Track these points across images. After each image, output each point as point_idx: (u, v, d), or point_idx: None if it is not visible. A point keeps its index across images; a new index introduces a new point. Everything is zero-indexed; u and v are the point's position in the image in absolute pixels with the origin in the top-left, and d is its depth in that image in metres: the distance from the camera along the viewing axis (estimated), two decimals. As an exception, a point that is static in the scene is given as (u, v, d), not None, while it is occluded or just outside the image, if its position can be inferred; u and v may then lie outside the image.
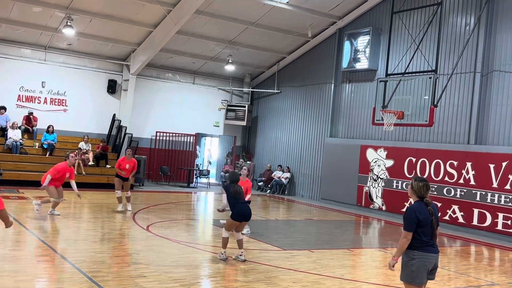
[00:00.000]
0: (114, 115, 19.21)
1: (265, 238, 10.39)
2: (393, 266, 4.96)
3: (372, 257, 9.86)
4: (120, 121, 18.98)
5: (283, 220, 14.22)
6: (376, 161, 16.49)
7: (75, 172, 15.46)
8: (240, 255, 8.07)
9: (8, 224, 5.05)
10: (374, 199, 16.44)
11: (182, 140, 20.88)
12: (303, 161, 19.78)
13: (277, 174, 20.31)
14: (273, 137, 21.34)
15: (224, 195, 8.22)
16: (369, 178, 16.65)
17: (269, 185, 20.28)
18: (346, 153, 17.45)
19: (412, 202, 5.10)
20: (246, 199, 9.38)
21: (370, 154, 16.69)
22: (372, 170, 16.56)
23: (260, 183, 20.81)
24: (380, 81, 13.68)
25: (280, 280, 7.15)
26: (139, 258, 7.78)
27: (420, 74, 13.35)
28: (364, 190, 16.78)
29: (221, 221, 10.51)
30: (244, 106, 21.37)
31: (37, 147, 17.20)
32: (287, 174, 20.11)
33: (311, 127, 19.59)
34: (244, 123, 21.40)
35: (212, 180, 22.25)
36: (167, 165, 20.43)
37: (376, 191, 16.42)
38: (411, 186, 5.07)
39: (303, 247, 9.82)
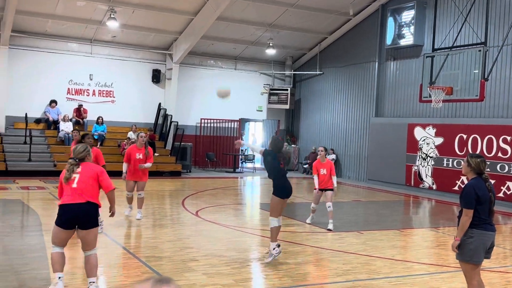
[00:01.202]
0: (160, 104, 19.56)
1: (313, 221, 10.37)
2: (456, 247, 4.82)
3: (424, 237, 9.68)
4: (166, 109, 19.32)
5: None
6: (424, 140, 16.09)
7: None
8: (274, 249, 6.94)
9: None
10: (424, 179, 16.08)
11: (226, 126, 21.05)
12: (348, 142, 19.55)
13: (322, 156, 20.14)
14: (317, 120, 21.16)
15: (262, 149, 7.10)
16: (418, 157, 16.27)
17: (315, 168, 20.17)
18: (393, 132, 17.10)
19: (468, 180, 4.97)
20: (335, 181, 9.60)
21: (418, 132, 16.29)
22: (421, 149, 16.17)
23: (305, 166, 20.74)
24: (427, 57, 13.27)
25: (329, 262, 7.13)
26: (190, 243, 7.95)
27: (469, 47, 12.85)
28: (413, 169, 16.43)
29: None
30: (287, 90, 21.26)
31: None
32: (332, 156, 19.93)
33: (355, 107, 19.29)
34: (287, 106, 21.31)
35: (258, 165, 22.35)
36: (213, 151, 20.68)
37: (425, 170, 16.05)
38: (467, 164, 4.92)
39: (352, 228, 9.75)
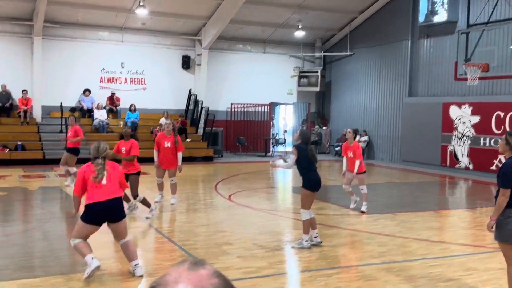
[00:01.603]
0: (190, 90, 19.68)
1: (347, 203, 10.31)
2: (492, 228, 4.73)
3: (460, 217, 9.50)
4: (196, 95, 19.43)
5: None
6: (460, 119, 15.70)
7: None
8: (315, 236, 6.89)
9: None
10: (460, 158, 15.73)
11: (256, 110, 21.03)
12: (381, 123, 19.26)
13: (354, 138, 19.94)
14: (348, 101, 20.90)
15: (293, 157, 6.86)
16: (454, 136, 15.91)
17: (347, 150, 19.99)
18: (427, 112, 16.75)
19: (505, 159, 4.83)
20: (357, 166, 9.06)
21: (454, 111, 15.90)
22: (457, 128, 15.80)
23: (337, 149, 20.58)
24: (462, 33, 12.90)
25: (364, 244, 7.09)
26: (224, 227, 8.03)
27: (506, 22, 12.40)
28: (449, 149, 16.08)
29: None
30: (317, 72, 21.04)
31: (121, 126, 18.08)
32: (365, 138, 19.70)
33: (388, 87, 18.94)
34: (317, 88, 21.11)
35: (289, 148, 22.31)
36: (244, 135, 20.72)
37: (461, 150, 15.69)
38: (505, 142, 4.77)
39: (386, 210, 9.65)
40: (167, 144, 9.36)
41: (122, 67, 18.81)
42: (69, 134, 11.49)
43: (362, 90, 20.14)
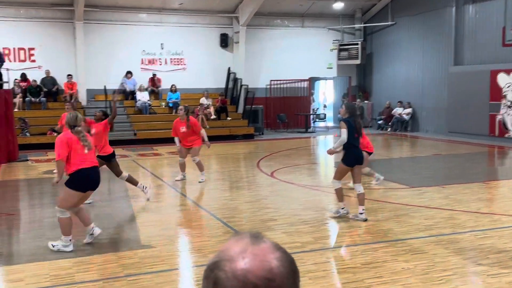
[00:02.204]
0: (229, 68, 19.70)
1: (391, 177, 10.16)
2: None
3: (511, 188, 9.20)
4: (235, 73, 19.43)
5: (408, 157, 13.76)
6: (509, 86, 15.08)
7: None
8: (361, 213, 6.81)
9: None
10: (509, 127, 15.15)
11: (296, 86, 20.86)
12: (425, 94, 18.73)
13: (397, 111, 19.55)
14: (390, 73, 20.40)
15: (344, 130, 6.73)
16: (502, 105, 15.32)
17: (389, 123, 19.63)
18: (474, 80, 16.15)
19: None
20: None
21: (502, 78, 15.27)
22: (505, 96, 15.19)
23: (379, 122, 20.22)
24: (510, -3, 12.27)
25: (410, 217, 6.99)
26: (267, 203, 8.08)
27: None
28: (497, 118, 15.51)
29: None
30: (357, 44, 20.59)
31: (163, 106, 18.37)
32: (409, 110, 19.25)
33: (431, 57, 18.34)
34: (358, 61, 20.68)
35: (330, 123, 22.10)
36: (284, 112, 20.64)
37: (511, 119, 15.10)
38: None
39: (433, 183, 9.45)
40: (182, 129, 9.53)
41: (162, 49, 19.00)
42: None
43: (405, 60, 19.59)
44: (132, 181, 8.18)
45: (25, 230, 6.83)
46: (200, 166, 9.72)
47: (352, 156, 6.82)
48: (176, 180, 9.85)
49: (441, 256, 5.38)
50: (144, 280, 4.86)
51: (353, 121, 6.82)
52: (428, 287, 4.57)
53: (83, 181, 5.70)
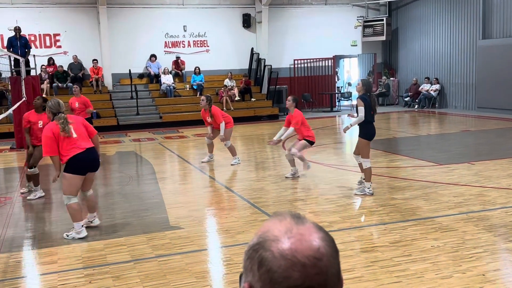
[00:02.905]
0: (252, 49, 19.58)
1: (419, 154, 10.03)
2: None
3: (544, 164, 8.96)
4: (258, 54, 19.31)
5: (436, 134, 13.53)
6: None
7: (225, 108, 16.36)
8: (368, 188, 7.02)
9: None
10: (541, 102, 14.72)
11: (320, 65, 20.63)
12: (453, 69, 18.30)
13: (424, 87, 19.18)
14: (416, 49, 19.97)
15: (362, 108, 6.80)
16: (534, 79, 14.86)
17: (416, 100, 19.29)
18: (504, 54, 15.69)
19: None
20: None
21: (533, 51, 14.79)
22: (537, 70, 14.73)
23: (406, 99, 19.89)
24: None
25: (439, 195, 6.90)
26: (294, 183, 8.08)
27: None
28: (528, 93, 15.07)
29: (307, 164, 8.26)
30: (382, 20, 20.17)
31: (188, 89, 18.44)
32: (436, 86, 18.87)
33: (459, 31, 17.86)
34: (383, 37, 20.29)
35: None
36: (308, 91, 20.47)
37: (543, 93, 14.66)
38: None
39: (462, 160, 9.29)
40: (209, 119, 9.55)
41: (185, 31, 18.99)
42: (76, 105, 10.31)
43: (432, 35, 19.13)
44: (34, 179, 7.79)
45: (57, 214, 7.01)
46: (231, 151, 9.70)
47: (369, 132, 6.98)
48: (202, 162, 9.92)
49: (471, 234, 5.31)
50: (174, 261, 4.94)
51: (368, 97, 6.88)
52: (458, 264, 4.53)
53: (80, 165, 5.65)
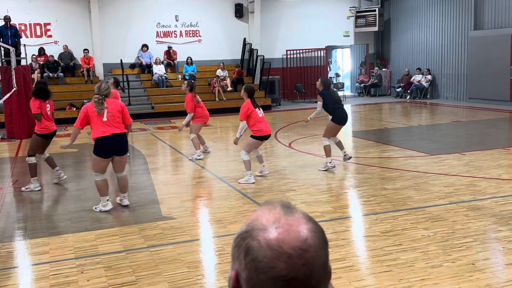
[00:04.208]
0: (245, 39, 19.50)
1: (410, 145, 10.09)
2: None
3: (533, 155, 9.05)
4: (251, 44, 19.25)
5: (427, 125, 13.59)
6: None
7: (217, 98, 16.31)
8: (345, 155, 8.32)
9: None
10: (532, 93, 14.82)
11: (312, 55, 20.60)
12: (445, 60, 18.36)
13: (416, 78, 19.23)
14: (408, 39, 19.99)
15: (319, 103, 8.01)
16: (524, 70, 14.95)
17: (408, 91, 19.35)
18: (495, 45, 15.76)
19: None
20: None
21: (524, 43, 14.85)
22: (528, 61, 14.81)
23: (398, 90, 19.94)
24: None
25: (430, 185, 6.96)
26: (286, 174, 8.10)
27: None
28: (519, 84, 15.17)
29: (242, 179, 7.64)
30: (374, 10, 20.16)
31: (180, 79, 18.35)
32: (428, 77, 18.93)
33: (451, 21, 17.89)
34: (375, 28, 20.29)
35: (347, 92, 21.85)
36: (301, 82, 20.46)
37: (533, 84, 14.76)
38: None
39: (453, 150, 9.36)
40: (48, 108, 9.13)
41: (177, 20, 18.87)
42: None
43: (424, 26, 19.16)
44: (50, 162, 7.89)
45: (48, 204, 6.98)
46: (194, 144, 9.50)
47: (339, 116, 8.10)
48: (196, 159, 9.54)
49: (461, 223, 5.37)
50: (166, 251, 4.95)
51: (328, 92, 8.06)
52: (448, 254, 4.58)
53: (103, 148, 6.09)
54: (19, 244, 5.47)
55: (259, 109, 7.55)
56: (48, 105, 7.52)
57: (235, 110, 16.89)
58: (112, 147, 6.11)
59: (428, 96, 18.99)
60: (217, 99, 17.12)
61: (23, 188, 7.54)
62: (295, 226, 0.94)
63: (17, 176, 8.61)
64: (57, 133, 10.69)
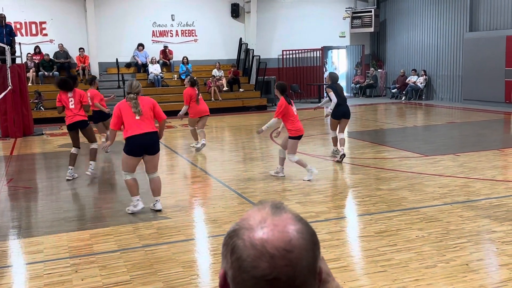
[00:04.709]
0: (241, 39, 19.50)
1: (405, 146, 10.12)
2: None
3: (527, 156, 9.10)
4: (247, 44, 19.25)
5: (422, 126, 13.64)
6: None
7: (213, 98, 16.31)
8: (341, 150, 8.61)
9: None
10: (526, 95, 14.89)
11: (308, 55, 20.63)
12: (440, 62, 18.43)
13: (411, 79, 19.29)
14: (404, 40, 20.05)
15: (332, 94, 8.59)
16: (519, 71, 15.01)
17: (403, 92, 19.41)
18: (490, 46, 15.82)
19: None
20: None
21: (519, 44, 14.92)
22: (522, 63, 14.88)
23: (393, 91, 19.99)
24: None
25: (424, 186, 6.98)
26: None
27: None
28: (514, 85, 15.24)
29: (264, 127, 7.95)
30: (370, 11, 20.20)
31: (175, 79, 18.34)
32: (423, 78, 18.99)
33: (447, 23, 17.96)
34: (371, 29, 20.33)
35: (344, 94, 21.83)
36: (297, 82, 20.48)
37: (528, 86, 14.83)
38: None
39: (447, 151, 9.39)
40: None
41: (173, 20, 18.84)
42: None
43: (419, 27, 19.21)
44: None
45: (43, 203, 6.96)
46: (193, 135, 10.33)
47: (340, 112, 8.69)
48: (196, 148, 10.06)
49: (455, 224, 5.39)
50: (161, 251, 4.95)
51: (335, 86, 8.73)
52: (442, 254, 4.59)
53: (133, 146, 5.92)
54: (13, 243, 5.44)
55: (293, 106, 7.65)
56: (71, 98, 7.79)
57: (231, 110, 16.93)
58: (142, 146, 5.93)
59: (423, 97, 19.04)
60: (212, 99, 17.11)
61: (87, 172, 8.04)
62: (281, 227, 0.94)
63: (11, 175, 8.58)
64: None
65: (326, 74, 21.92)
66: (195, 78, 10.39)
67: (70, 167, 8.00)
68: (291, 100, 7.69)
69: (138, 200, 6.05)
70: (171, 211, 6.22)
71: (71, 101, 7.78)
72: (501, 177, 7.37)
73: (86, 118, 8.00)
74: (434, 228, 5.26)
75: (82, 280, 4.34)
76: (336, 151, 9.01)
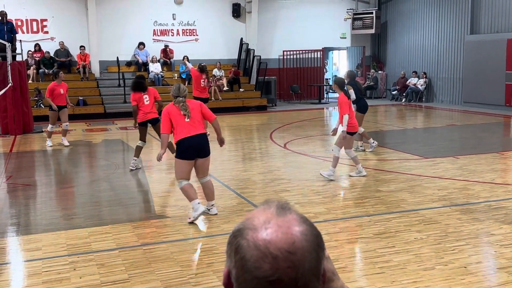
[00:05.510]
0: (242, 39, 19.50)
1: (405, 148, 10.12)
2: None
3: (527, 160, 9.10)
4: (248, 44, 19.24)
5: (422, 128, 13.65)
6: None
7: (213, 97, 16.33)
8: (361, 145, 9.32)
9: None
10: (526, 98, 14.90)
11: (309, 56, 20.63)
12: (441, 64, 18.43)
13: (412, 81, 19.29)
14: (405, 42, 20.06)
15: (352, 91, 8.64)
16: (519, 75, 15.02)
17: (403, 94, 19.41)
18: (491, 49, 15.83)
19: None
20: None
21: (520, 48, 14.93)
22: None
23: (394, 92, 19.99)
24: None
25: (424, 188, 6.98)
26: (281, 174, 8.11)
27: None
28: (514, 89, 15.24)
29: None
30: (372, 13, 20.20)
31: (176, 78, 18.33)
32: (424, 80, 18.99)
33: (448, 25, 17.96)
34: (372, 31, 20.33)
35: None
36: (297, 83, 20.48)
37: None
38: None
39: (447, 154, 9.39)
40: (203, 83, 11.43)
41: (174, 19, 18.84)
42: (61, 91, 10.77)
43: (420, 29, 19.22)
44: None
45: (42, 201, 6.96)
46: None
47: (364, 105, 9.35)
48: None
49: (454, 226, 5.39)
50: (159, 250, 4.94)
51: (355, 83, 9.19)
52: (441, 257, 4.59)
53: (185, 149, 5.73)
54: (12, 240, 5.44)
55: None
56: (146, 96, 8.36)
57: (231, 110, 16.93)
58: (195, 148, 5.74)
59: (423, 99, 19.05)
60: (213, 98, 17.10)
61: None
62: (285, 228, 0.94)
63: (11, 172, 8.57)
64: (53, 129, 10.72)
65: (326, 75, 22.03)
66: (203, 64, 11.38)
67: (134, 158, 8.48)
68: (349, 96, 7.86)
69: (198, 203, 5.70)
70: (169, 210, 6.21)
71: (146, 99, 8.35)
72: (500, 180, 7.37)
73: (158, 116, 8.28)
74: (432, 230, 5.26)
75: (80, 278, 4.34)
76: (373, 142, 9.57)
